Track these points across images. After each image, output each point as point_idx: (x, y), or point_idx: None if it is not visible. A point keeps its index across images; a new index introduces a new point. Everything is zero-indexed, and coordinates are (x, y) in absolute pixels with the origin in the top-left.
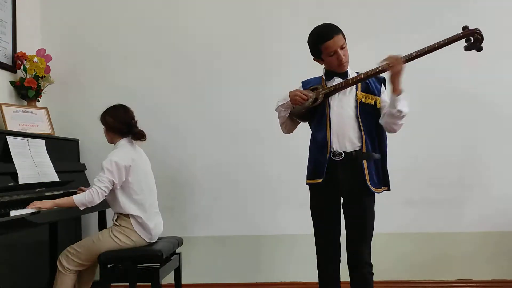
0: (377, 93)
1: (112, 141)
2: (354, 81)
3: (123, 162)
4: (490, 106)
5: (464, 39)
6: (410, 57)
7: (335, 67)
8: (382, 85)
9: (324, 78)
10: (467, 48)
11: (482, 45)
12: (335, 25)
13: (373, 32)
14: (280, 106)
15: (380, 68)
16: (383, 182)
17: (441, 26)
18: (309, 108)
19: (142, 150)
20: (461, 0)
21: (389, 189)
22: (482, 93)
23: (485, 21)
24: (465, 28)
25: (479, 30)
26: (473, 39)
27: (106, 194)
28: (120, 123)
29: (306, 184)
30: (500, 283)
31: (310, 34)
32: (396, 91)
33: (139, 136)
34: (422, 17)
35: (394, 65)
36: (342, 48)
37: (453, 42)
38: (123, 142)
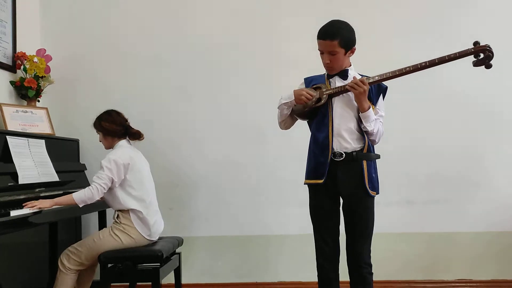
0: (374, 101)
1: (110, 145)
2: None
3: (121, 160)
4: (491, 105)
5: (473, 55)
6: (419, 66)
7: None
8: (381, 95)
9: (327, 76)
10: (476, 64)
11: (491, 62)
12: (339, 29)
13: (383, 32)
14: (283, 104)
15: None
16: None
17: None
18: (311, 108)
19: (140, 152)
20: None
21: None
22: (483, 93)
23: (486, 22)
24: (476, 43)
25: (490, 47)
26: (483, 55)
27: (105, 191)
28: (117, 125)
29: (305, 184)
30: (500, 283)
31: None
32: (361, 110)
33: (137, 136)
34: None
35: (357, 88)
36: (332, 54)
37: (463, 57)
38: (122, 143)
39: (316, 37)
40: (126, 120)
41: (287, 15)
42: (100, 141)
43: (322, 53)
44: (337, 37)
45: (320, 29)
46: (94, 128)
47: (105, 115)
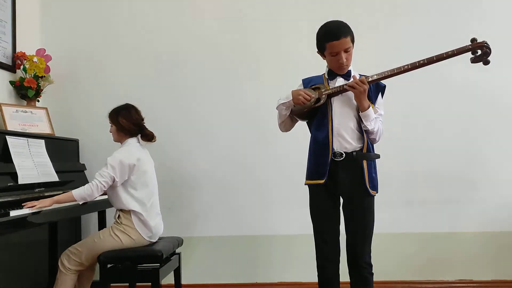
0: (373, 100)
1: (119, 140)
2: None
3: (127, 161)
4: (491, 104)
5: (470, 51)
6: (417, 64)
7: (334, 68)
8: (380, 94)
9: (327, 77)
10: (473, 60)
11: (489, 58)
12: (346, 26)
13: (376, 31)
14: (282, 105)
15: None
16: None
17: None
18: (311, 108)
19: (147, 151)
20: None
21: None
22: (483, 91)
23: (487, 16)
24: (473, 40)
25: (487, 44)
26: (481, 52)
27: (105, 189)
28: (133, 124)
29: (305, 184)
30: (501, 283)
31: (320, 27)
32: (361, 109)
33: (149, 137)
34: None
35: (357, 87)
36: (346, 51)
37: (461, 53)
38: (131, 141)
39: (327, 41)
40: (143, 119)
41: (287, 16)
42: (110, 132)
43: (335, 54)
44: (348, 33)
45: (330, 31)
46: (108, 118)
47: (124, 111)
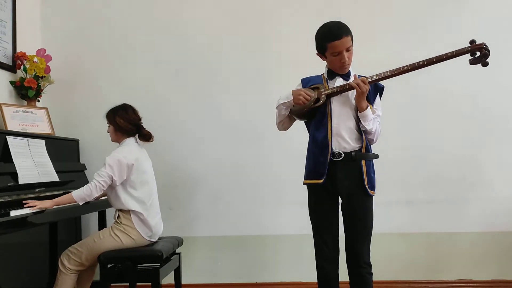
0: (371, 101)
1: (117, 140)
2: (348, 87)
3: (126, 160)
4: (490, 106)
5: (469, 53)
6: (417, 65)
7: (336, 68)
8: (378, 95)
9: (326, 77)
10: (472, 62)
11: (487, 60)
12: (346, 26)
13: (377, 32)
14: (282, 105)
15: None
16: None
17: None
18: (310, 108)
19: (145, 150)
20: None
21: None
22: (483, 92)
23: (483, 20)
24: (472, 42)
25: (486, 45)
26: (479, 54)
27: (104, 189)
28: (131, 124)
29: (304, 184)
30: (500, 283)
31: (320, 28)
32: (360, 109)
33: (147, 137)
34: (425, 17)
35: (361, 86)
36: (347, 50)
37: (460, 55)
38: (129, 141)
39: (328, 41)
40: (140, 119)
41: (286, 16)
42: (108, 132)
43: (337, 54)
44: (348, 32)
45: (331, 31)
46: (106, 118)
47: (122, 111)
